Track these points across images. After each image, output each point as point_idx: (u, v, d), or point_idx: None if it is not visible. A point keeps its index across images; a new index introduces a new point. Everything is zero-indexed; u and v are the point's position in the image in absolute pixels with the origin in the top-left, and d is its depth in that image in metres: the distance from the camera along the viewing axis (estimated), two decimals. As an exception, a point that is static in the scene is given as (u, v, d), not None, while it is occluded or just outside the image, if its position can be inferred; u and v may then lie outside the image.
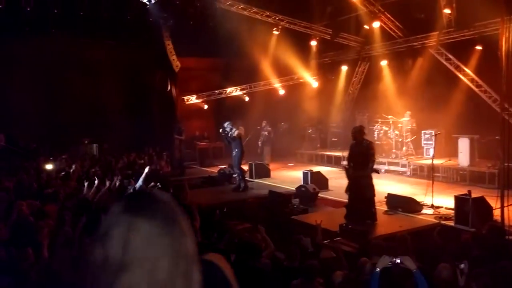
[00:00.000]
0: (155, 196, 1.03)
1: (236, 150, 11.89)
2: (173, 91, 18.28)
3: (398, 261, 3.86)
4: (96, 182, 8.84)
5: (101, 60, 17.52)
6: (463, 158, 12.14)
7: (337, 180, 12.30)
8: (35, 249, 4.69)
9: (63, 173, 11.58)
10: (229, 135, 11.88)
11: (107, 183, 8.80)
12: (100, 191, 8.41)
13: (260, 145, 15.99)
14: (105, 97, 17.98)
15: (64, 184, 9.51)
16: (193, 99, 18.99)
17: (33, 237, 5.26)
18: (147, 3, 16.08)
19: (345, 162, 14.35)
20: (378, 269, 3.98)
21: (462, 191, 8.61)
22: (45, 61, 16.34)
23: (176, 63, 17.52)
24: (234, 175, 12.62)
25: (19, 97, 16.09)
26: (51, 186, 9.16)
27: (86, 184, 8.77)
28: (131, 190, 9.37)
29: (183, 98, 18.87)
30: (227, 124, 11.96)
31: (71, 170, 11.99)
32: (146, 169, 10.37)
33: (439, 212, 8.83)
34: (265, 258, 5.50)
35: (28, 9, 15.48)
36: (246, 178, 12.55)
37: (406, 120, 14.20)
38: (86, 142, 17.13)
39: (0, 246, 4.82)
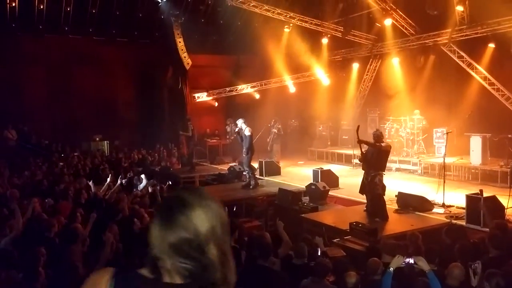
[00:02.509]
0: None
1: (246, 148, 11.87)
2: (184, 88, 18.33)
3: (412, 261, 3.83)
4: (106, 179, 8.93)
5: (112, 58, 17.64)
6: (475, 156, 12.01)
7: (348, 178, 12.28)
8: (47, 246, 4.75)
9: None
10: (242, 133, 11.88)
11: (118, 180, 8.89)
12: (110, 188, 8.50)
13: (270, 142, 15.94)
14: (117, 94, 18.13)
15: (75, 180, 9.60)
16: (203, 97, 19.02)
17: (45, 234, 5.33)
18: (159, 1, 16.17)
19: (356, 161, 14.37)
20: (392, 269, 3.96)
21: (474, 190, 8.52)
22: (57, 59, 16.53)
23: (187, 61, 17.57)
24: (244, 173, 12.63)
25: (32, 94, 16.32)
26: (62, 182, 9.25)
27: (96, 181, 8.87)
28: (138, 187, 9.48)
29: (194, 96, 18.91)
30: (240, 122, 11.95)
31: (82, 167, 12.11)
32: (143, 175, 10.50)
33: (450, 211, 8.75)
34: (282, 253, 5.52)
35: (42, 7, 15.66)
36: (256, 176, 12.54)
37: (417, 118, 14.07)
38: (97, 139, 17.26)
39: (13, 242, 4.89)
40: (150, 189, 9.18)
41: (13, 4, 15.21)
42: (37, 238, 5.12)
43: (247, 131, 11.68)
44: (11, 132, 15.11)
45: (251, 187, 11.79)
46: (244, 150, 11.85)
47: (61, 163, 12.52)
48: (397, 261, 3.89)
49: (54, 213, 6.29)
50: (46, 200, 7.08)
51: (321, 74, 17.07)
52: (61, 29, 16.55)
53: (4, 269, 4.17)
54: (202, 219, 1.28)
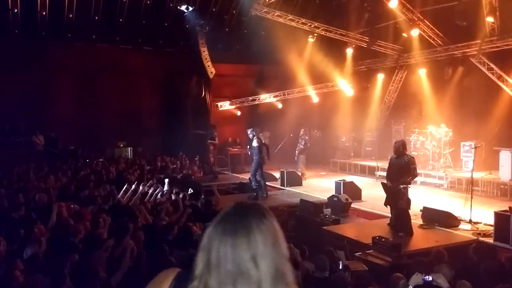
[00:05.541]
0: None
1: (255, 158, 11.68)
2: (207, 97, 18.46)
3: (430, 278, 3.73)
4: (130, 185, 9.00)
5: (138, 66, 17.91)
6: (505, 171, 11.65)
7: (371, 191, 12.08)
8: (73, 251, 4.80)
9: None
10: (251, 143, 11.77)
11: (141, 187, 8.95)
12: (134, 195, 8.56)
13: (297, 153, 15.69)
14: (141, 102, 18.38)
15: (99, 186, 9.71)
16: (226, 105, 19.10)
17: (71, 238, 5.39)
18: (185, 10, 16.37)
19: (379, 173, 14.16)
20: (411, 286, 3.86)
21: (503, 206, 8.27)
22: (85, 66, 16.89)
23: (211, 69, 17.69)
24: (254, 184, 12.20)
25: (59, 100, 16.69)
26: (87, 188, 9.37)
27: (124, 187, 8.95)
28: (159, 194, 9.48)
29: (217, 104, 19.01)
30: (250, 131, 11.85)
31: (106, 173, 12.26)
32: (166, 180, 10.59)
33: (477, 228, 8.47)
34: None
35: (71, 16, 16.05)
36: (278, 186, 12.40)
37: (444, 131, 13.78)
38: (121, 145, 17.49)
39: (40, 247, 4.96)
40: (173, 197, 9.22)
41: (44, 13, 15.63)
42: (63, 243, 5.19)
43: (255, 142, 11.53)
44: (39, 137, 15.46)
45: (254, 196, 11.41)
46: (253, 159, 11.67)
47: (86, 169, 12.71)
48: (416, 279, 3.81)
49: (79, 219, 6.35)
50: (72, 206, 7.16)
51: (345, 85, 16.94)
52: (89, 37, 16.92)
53: (32, 273, 4.24)
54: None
